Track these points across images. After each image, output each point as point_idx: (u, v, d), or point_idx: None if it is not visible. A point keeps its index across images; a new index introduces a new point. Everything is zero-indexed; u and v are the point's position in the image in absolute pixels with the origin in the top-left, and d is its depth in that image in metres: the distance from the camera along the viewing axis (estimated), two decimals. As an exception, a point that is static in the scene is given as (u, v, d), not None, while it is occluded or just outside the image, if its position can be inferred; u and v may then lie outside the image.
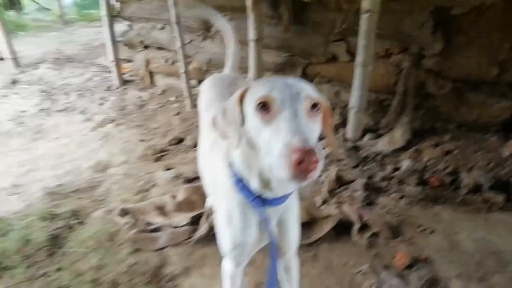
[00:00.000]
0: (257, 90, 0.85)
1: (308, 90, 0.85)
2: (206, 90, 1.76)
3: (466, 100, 3.10)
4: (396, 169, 2.76)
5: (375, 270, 1.91)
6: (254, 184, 1.01)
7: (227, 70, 2.16)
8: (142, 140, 3.39)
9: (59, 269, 1.85)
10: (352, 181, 2.64)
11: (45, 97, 4.41)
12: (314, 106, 0.84)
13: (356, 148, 3.06)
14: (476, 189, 2.45)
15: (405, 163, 2.75)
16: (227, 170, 1.09)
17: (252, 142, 0.90)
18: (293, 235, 1.24)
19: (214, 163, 1.28)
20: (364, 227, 2.18)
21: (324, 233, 2.13)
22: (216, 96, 1.62)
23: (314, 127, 0.84)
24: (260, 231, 1.13)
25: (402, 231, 2.18)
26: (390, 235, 2.12)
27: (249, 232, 1.12)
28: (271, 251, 1.09)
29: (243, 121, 0.90)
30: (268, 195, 1.02)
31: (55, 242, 2.03)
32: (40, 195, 2.48)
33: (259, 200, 1.02)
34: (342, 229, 2.18)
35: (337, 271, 1.92)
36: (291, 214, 1.19)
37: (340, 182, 2.62)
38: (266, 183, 0.99)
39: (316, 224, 2.21)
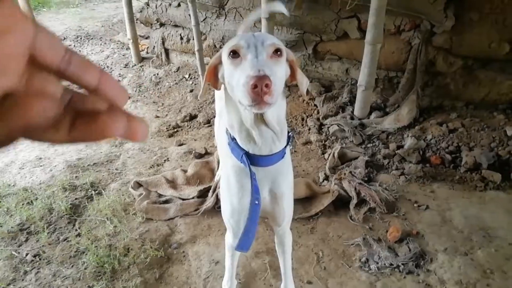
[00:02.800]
0: (229, 44, 1.00)
1: (272, 40, 0.99)
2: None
3: (476, 77, 3.09)
4: (400, 147, 2.83)
5: (367, 242, 2.04)
6: (239, 139, 1.11)
7: (243, 28, 2.24)
8: (157, 117, 3.55)
9: (78, 235, 2.07)
10: (355, 158, 2.73)
11: (67, 74, 4.62)
12: (277, 51, 0.98)
13: (362, 126, 3.12)
14: (475, 167, 2.50)
15: (408, 141, 2.81)
16: (225, 135, 1.21)
17: (230, 92, 1.02)
18: (286, 206, 1.32)
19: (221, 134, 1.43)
20: (361, 202, 2.30)
21: (323, 208, 2.26)
22: None
23: (276, 67, 0.97)
24: (254, 200, 1.19)
25: (398, 206, 2.28)
26: (385, 211, 2.23)
27: (245, 199, 1.21)
28: (251, 203, 1.14)
29: (217, 83, 1.09)
30: (255, 151, 1.11)
31: (75, 210, 2.25)
32: (62, 167, 2.70)
33: (247, 158, 1.11)
34: (341, 204, 2.30)
35: (332, 243, 2.06)
36: (284, 185, 1.26)
37: (343, 159, 2.73)
38: (248, 135, 1.09)
39: (316, 198, 2.34)
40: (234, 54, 0.96)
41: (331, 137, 3.05)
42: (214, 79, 1.10)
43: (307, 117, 3.34)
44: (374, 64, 3.00)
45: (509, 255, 1.88)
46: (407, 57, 3.20)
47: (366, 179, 2.48)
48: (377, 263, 1.92)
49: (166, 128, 3.29)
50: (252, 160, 1.12)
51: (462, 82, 3.12)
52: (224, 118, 1.18)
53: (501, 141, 2.72)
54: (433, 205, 2.27)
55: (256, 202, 1.14)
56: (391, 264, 1.90)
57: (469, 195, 2.33)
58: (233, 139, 1.15)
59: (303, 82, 1.15)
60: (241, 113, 1.04)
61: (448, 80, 3.17)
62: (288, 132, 1.18)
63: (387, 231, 2.10)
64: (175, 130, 3.28)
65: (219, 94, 2.07)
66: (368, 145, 2.91)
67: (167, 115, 3.59)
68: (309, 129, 3.18)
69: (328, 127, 3.14)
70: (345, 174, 2.48)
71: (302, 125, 3.27)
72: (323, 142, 3.01)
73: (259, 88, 0.85)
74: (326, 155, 2.82)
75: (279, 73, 0.98)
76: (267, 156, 1.13)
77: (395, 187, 2.44)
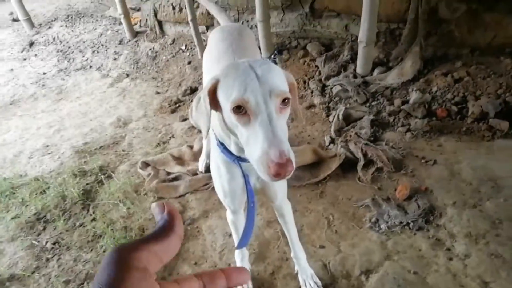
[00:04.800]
0: (230, 89, 0.88)
1: (279, 83, 0.88)
2: (216, 42, 1.74)
3: (481, 21, 2.96)
4: (405, 102, 2.78)
5: (376, 202, 2.06)
6: (233, 149, 1.10)
7: (225, 21, 2.18)
8: (157, 93, 3.53)
9: (93, 220, 2.13)
10: (360, 118, 2.71)
11: (62, 57, 4.56)
12: (284, 100, 0.89)
13: (365, 84, 3.06)
14: (482, 117, 2.47)
15: (413, 96, 2.76)
16: (212, 136, 1.19)
17: (228, 126, 0.97)
18: (278, 187, 1.34)
19: None
20: (369, 163, 2.30)
21: (331, 172, 2.27)
22: (227, 48, 1.62)
23: (284, 121, 0.90)
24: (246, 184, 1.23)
25: (405, 164, 2.28)
26: (393, 169, 2.24)
27: (236, 183, 1.24)
28: (248, 206, 1.16)
29: (218, 107, 0.96)
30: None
31: (88, 196, 2.30)
32: (69, 153, 2.73)
33: (239, 160, 1.11)
34: (348, 166, 2.30)
35: (342, 206, 2.09)
36: None
37: (348, 120, 2.70)
38: (242, 149, 1.04)
39: (324, 163, 2.35)
40: (239, 109, 0.86)
41: (334, 98, 3.01)
42: (214, 103, 0.97)
43: (309, 79, 3.28)
44: (374, 17, 2.89)
45: (518, 204, 1.89)
46: (408, 6, 3.07)
47: (372, 139, 2.47)
48: (387, 222, 1.95)
49: (168, 104, 3.27)
50: (244, 159, 1.10)
51: (466, 27, 3.00)
52: (214, 124, 1.11)
53: (508, 87, 2.65)
54: (440, 160, 2.26)
55: (252, 205, 1.16)
56: (401, 222, 1.93)
57: (476, 146, 2.31)
58: (222, 144, 1.13)
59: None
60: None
61: (452, 27, 3.05)
62: None
63: (395, 190, 2.12)
64: (177, 105, 3.26)
65: (206, 65, 1.84)
66: (373, 103, 2.87)
67: (167, 90, 3.56)
68: (312, 92, 3.14)
69: (331, 88, 3.09)
70: (350, 136, 2.47)
71: (304, 88, 3.21)
72: (327, 104, 2.97)
73: (280, 173, 0.80)
74: (330, 118, 2.80)
75: (285, 124, 0.92)
76: None
77: (401, 144, 2.43)
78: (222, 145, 1.13)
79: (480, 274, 1.61)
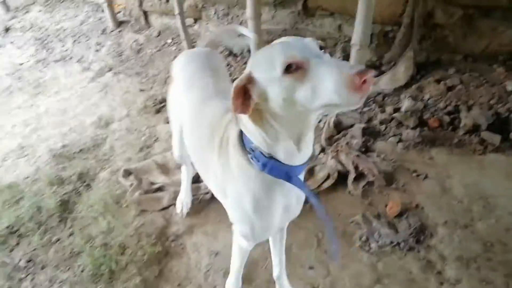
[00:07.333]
0: (271, 58, 0.83)
1: (309, 39, 0.87)
2: (182, 69, 1.62)
3: (476, 28, 2.90)
4: (396, 109, 2.72)
5: (367, 219, 2.00)
6: (282, 155, 0.96)
7: (203, 43, 1.98)
8: (142, 90, 3.37)
9: (71, 235, 2.01)
10: (351, 125, 2.63)
11: (40, 46, 4.32)
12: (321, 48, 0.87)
13: (356, 88, 2.98)
14: (475, 129, 2.42)
15: (405, 103, 2.70)
16: (240, 152, 1.02)
17: (284, 109, 0.86)
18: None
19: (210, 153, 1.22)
20: (359, 176, 2.24)
21: (322, 189, 2.20)
22: (196, 72, 1.53)
23: None
24: (284, 210, 1.14)
25: (396, 178, 2.22)
26: (383, 183, 2.18)
27: (276, 214, 1.12)
28: (326, 223, 1.09)
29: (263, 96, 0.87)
30: (295, 161, 0.97)
31: (65, 207, 2.17)
32: (46, 158, 2.58)
33: (288, 174, 0.98)
34: (339, 179, 2.23)
35: (332, 222, 2.02)
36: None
37: (339, 128, 2.63)
38: (297, 141, 0.94)
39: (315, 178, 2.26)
40: (291, 68, 0.80)
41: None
42: (243, 103, 0.89)
43: (299, 81, 3.17)
44: (369, 20, 2.77)
45: (509, 226, 1.86)
46: (404, 9, 2.98)
47: (363, 149, 2.40)
48: (378, 241, 1.90)
49: (153, 103, 3.13)
50: (293, 172, 0.99)
51: (461, 33, 2.94)
52: (252, 137, 0.98)
53: (501, 97, 2.61)
54: (432, 174, 2.21)
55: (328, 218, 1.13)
56: (392, 242, 1.88)
57: (468, 160, 2.27)
58: (270, 157, 0.97)
59: None
60: (305, 121, 0.90)
61: (446, 32, 2.98)
62: None
63: (386, 206, 2.06)
64: (162, 105, 3.11)
65: (184, 86, 1.56)
66: (364, 109, 2.80)
67: (152, 87, 3.40)
68: (302, 95, 3.04)
69: (322, 92, 3.00)
70: (342, 146, 2.39)
71: (294, 90, 3.11)
72: (317, 108, 2.88)
73: (366, 83, 0.74)
74: (321, 124, 2.72)
75: None
76: (304, 164, 1.00)
77: (393, 156, 2.37)
78: (271, 158, 0.97)
79: (471, 302, 1.58)
